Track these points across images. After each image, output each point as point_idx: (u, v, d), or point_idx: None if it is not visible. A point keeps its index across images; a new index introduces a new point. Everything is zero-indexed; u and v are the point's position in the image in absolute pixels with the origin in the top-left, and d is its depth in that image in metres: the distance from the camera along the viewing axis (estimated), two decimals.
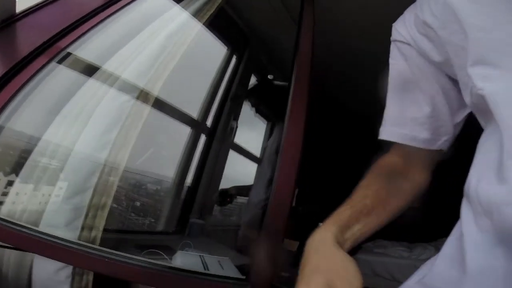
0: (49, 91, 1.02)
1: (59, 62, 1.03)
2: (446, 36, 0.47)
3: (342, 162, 2.49)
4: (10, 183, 0.94)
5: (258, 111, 1.61)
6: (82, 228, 0.95)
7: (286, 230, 0.86)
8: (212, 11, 1.28)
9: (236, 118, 1.66)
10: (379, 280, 1.99)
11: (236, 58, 1.69)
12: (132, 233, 1.43)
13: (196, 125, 1.60)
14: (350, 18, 1.46)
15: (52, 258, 0.80)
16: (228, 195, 1.68)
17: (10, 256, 0.92)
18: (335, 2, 1.39)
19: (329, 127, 2.15)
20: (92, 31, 1.07)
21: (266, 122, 1.84)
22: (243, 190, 1.68)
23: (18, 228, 0.80)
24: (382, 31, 0.63)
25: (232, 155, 1.75)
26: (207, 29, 1.47)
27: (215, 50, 1.60)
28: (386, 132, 0.59)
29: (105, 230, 0.99)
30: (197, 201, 1.70)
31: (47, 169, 0.99)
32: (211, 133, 1.65)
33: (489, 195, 0.38)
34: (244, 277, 0.92)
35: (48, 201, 0.95)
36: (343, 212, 0.51)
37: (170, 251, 1.17)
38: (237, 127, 1.66)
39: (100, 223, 0.99)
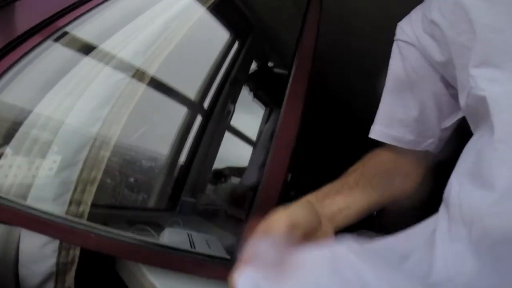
0: (45, 67, 1.01)
1: (56, 40, 1.02)
2: (453, 35, 0.46)
3: (338, 153, 2.52)
4: None
5: (256, 96, 1.61)
6: (70, 203, 0.95)
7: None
8: None
9: (234, 101, 1.65)
10: None
11: (238, 44, 1.66)
12: (122, 208, 1.45)
13: (193, 106, 1.59)
14: (357, 15, 1.43)
15: (39, 233, 0.81)
16: (221, 175, 1.70)
17: None
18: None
19: (327, 122, 2.14)
20: (91, 12, 1.05)
21: (263, 107, 1.84)
22: (237, 171, 1.70)
23: (4, 202, 0.81)
24: (388, 31, 0.63)
25: (228, 137, 1.75)
26: (210, 13, 1.44)
27: (217, 34, 1.57)
28: (375, 132, 0.61)
29: (94, 205, 1.00)
30: (189, 180, 1.71)
31: (37, 141, 0.99)
32: (207, 115, 1.64)
33: (472, 202, 0.37)
34: (229, 257, 0.94)
35: (37, 174, 0.95)
36: (322, 188, 0.54)
37: (159, 228, 1.19)
38: (234, 110, 1.65)
39: (89, 198, 0.99)
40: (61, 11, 0.99)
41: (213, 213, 1.81)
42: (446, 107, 0.56)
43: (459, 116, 0.55)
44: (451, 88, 0.53)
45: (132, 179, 1.56)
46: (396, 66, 0.59)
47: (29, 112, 0.99)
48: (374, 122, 0.62)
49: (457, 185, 0.41)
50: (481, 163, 0.38)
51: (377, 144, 0.61)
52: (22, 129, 0.97)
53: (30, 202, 0.87)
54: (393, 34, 0.60)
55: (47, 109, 1.01)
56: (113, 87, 1.11)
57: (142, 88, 1.16)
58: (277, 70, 1.67)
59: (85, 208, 0.96)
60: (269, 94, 1.65)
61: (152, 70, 1.19)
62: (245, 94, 1.67)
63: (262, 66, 1.76)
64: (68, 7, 1.00)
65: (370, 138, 0.61)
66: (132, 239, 0.89)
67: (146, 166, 1.65)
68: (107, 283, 1.02)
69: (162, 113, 1.52)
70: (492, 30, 0.40)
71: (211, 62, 1.57)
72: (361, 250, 0.38)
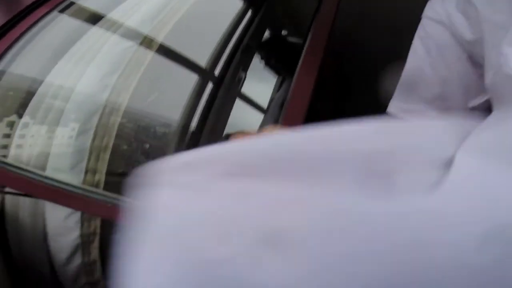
0: (54, 38, 1.00)
1: (62, 11, 0.99)
2: (488, 14, 0.46)
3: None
4: (11, 124, 0.96)
5: (268, 64, 1.58)
6: (86, 172, 0.98)
7: None
8: None
9: (245, 69, 1.62)
10: None
11: (252, 11, 1.60)
12: None
13: (204, 73, 1.57)
14: None
15: (57, 204, 0.84)
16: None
17: (25, 204, 0.96)
18: None
19: (341, 97, 2.09)
20: None
21: (275, 76, 1.81)
22: None
23: (25, 173, 0.83)
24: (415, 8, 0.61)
25: (238, 104, 1.75)
26: None
27: (230, 1, 1.51)
28: (393, 106, 0.60)
29: (111, 173, 1.03)
30: (201, 145, 1.73)
31: (53, 110, 1.00)
32: (218, 82, 1.63)
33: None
34: None
35: (56, 143, 0.97)
36: None
37: None
38: (245, 78, 1.63)
39: (103, 166, 1.02)
40: None
41: None
42: (473, 87, 0.54)
43: (485, 97, 0.55)
44: (479, 67, 0.53)
45: (147, 146, 1.58)
46: (419, 43, 0.58)
47: (41, 82, 0.99)
48: (393, 96, 0.61)
49: None
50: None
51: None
52: (37, 99, 0.98)
53: (49, 172, 0.90)
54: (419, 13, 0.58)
55: (60, 78, 1.01)
56: (121, 54, 1.10)
57: (151, 55, 1.15)
58: (291, 39, 1.62)
59: (101, 177, 0.99)
60: (281, 63, 1.61)
61: (161, 37, 1.17)
62: (257, 62, 1.64)
63: (275, 35, 1.71)
64: None
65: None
66: None
67: (160, 132, 1.67)
68: None
69: (173, 80, 1.52)
70: None
71: (223, 29, 1.52)
72: None
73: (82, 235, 0.90)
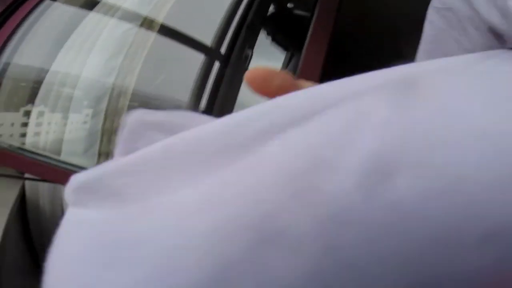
0: (51, 26, 0.99)
1: None
2: None
3: None
4: (27, 113, 0.97)
5: (274, 39, 1.54)
6: (99, 155, 1.00)
7: None
8: None
9: (251, 46, 1.59)
10: None
11: None
12: None
13: (210, 52, 1.55)
14: None
15: None
16: None
17: (44, 191, 0.98)
18: None
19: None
20: None
21: (283, 52, 1.77)
22: None
23: (41, 158, 0.85)
24: None
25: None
26: None
27: None
28: None
29: None
30: None
31: (60, 98, 1.01)
32: (225, 60, 1.60)
33: None
34: None
35: (69, 129, 0.99)
36: None
37: None
38: (252, 55, 1.60)
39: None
40: None
41: None
42: None
43: None
44: (501, 39, 0.50)
45: None
46: (436, 15, 0.56)
47: (46, 70, 1.00)
48: None
49: None
50: None
51: None
52: (46, 88, 0.99)
53: (64, 157, 0.92)
54: None
55: (65, 65, 1.02)
56: (122, 37, 1.10)
57: (153, 36, 1.14)
58: (297, 11, 1.57)
59: None
60: (288, 38, 1.57)
61: (162, 17, 1.15)
62: (263, 38, 1.60)
63: (281, 8, 1.65)
64: None
65: None
66: None
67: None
68: None
69: (179, 61, 1.50)
70: None
71: (227, 5, 1.49)
72: None
73: None
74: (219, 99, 1.75)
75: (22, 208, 1.08)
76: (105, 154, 1.03)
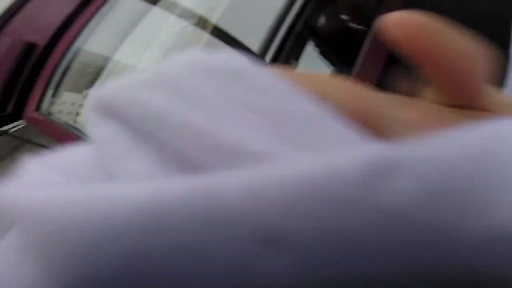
0: (119, 17, 1.08)
1: None
2: None
3: None
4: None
5: (322, 52, 1.47)
6: None
7: None
8: None
9: (297, 57, 1.53)
10: None
11: None
12: None
13: (255, 58, 1.52)
14: None
15: None
16: None
17: None
18: None
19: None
20: None
21: (330, 67, 1.69)
22: None
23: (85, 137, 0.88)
24: None
25: None
26: None
27: None
28: None
29: None
30: None
31: None
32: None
33: None
34: None
35: None
36: None
37: None
38: (297, 66, 1.54)
39: None
40: None
41: None
42: None
43: None
44: None
45: None
46: None
47: (110, 59, 1.08)
48: None
49: None
50: None
51: None
52: (106, 75, 1.07)
53: None
54: None
55: (126, 56, 1.10)
56: (178, 33, 1.17)
57: (206, 36, 1.20)
58: (352, 25, 1.48)
59: None
60: (338, 52, 1.49)
61: (215, 18, 1.19)
62: (310, 50, 1.54)
63: (333, 19, 1.58)
64: None
65: None
66: None
67: None
68: None
69: None
70: None
71: (276, 12, 1.45)
72: None
73: None
74: None
75: None
76: None
